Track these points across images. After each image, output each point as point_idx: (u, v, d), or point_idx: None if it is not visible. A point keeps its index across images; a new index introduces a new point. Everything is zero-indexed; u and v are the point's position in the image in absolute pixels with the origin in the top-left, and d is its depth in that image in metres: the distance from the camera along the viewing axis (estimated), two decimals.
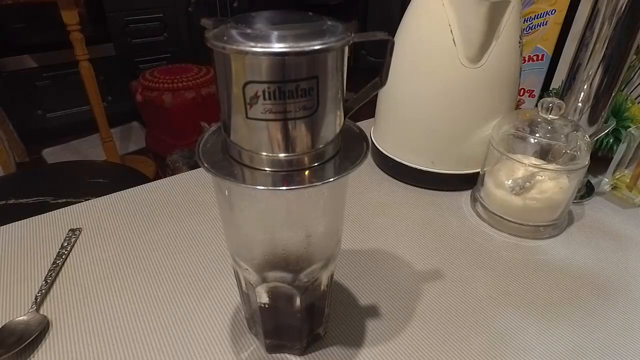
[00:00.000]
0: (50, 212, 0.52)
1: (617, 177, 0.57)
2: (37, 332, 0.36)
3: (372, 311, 0.40)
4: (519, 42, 0.51)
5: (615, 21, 0.46)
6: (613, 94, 0.50)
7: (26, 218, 0.50)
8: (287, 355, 0.36)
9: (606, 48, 0.47)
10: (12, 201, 0.79)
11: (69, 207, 0.53)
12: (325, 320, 0.37)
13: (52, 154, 2.17)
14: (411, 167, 0.57)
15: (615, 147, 0.57)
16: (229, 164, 0.26)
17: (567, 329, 0.39)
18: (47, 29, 1.99)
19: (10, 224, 0.50)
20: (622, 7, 0.45)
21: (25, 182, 0.90)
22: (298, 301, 0.32)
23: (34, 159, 2.12)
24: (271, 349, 0.36)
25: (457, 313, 0.40)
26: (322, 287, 0.33)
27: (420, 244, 0.48)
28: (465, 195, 0.57)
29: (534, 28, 0.65)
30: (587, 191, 0.58)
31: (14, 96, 2.07)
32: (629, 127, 0.56)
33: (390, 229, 0.51)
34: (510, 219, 0.50)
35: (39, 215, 0.51)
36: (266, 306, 0.33)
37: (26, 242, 0.47)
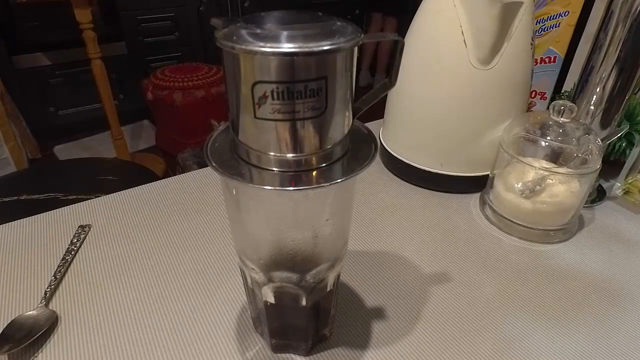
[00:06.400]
0: (60, 209, 0.52)
1: (629, 181, 0.56)
2: (46, 327, 0.37)
3: (379, 313, 0.40)
4: (531, 44, 0.51)
5: (629, 23, 0.45)
6: (627, 97, 0.49)
7: (37, 214, 0.51)
8: (293, 356, 0.36)
9: (620, 50, 0.46)
10: (24, 197, 0.80)
11: (78, 203, 0.53)
12: (331, 321, 0.37)
13: (64, 151, 2.20)
14: (420, 169, 0.56)
15: (628, 151, 0.56)
16: (237, 163, 0.26)
17: (576, 335, 0.38)
18: (60, 28, 2.02)
19: (21, 220, 0.50)
20: (636, 9, 0.44)
21: (37, 178, 0.91)
22: (304, 301, 0.32)
23: (46, 156, 2.15)
24: (276, 348, 0.36)
25: (464, 317, 0.40)
26: (329, 288, 0.33)
27: (428, 247, 0.48)
28: (474, 197, 0.56)
29: (547, 30, 0.64)
30: (598, 195, 0.57)
31: (28, 93, 2.10)
32: None
33: (398, 231, 0.50)
34: (519, 223, 0.50)
35: (49, 212, 0.51)
36: (272, 306, 0.33)
37: (36, 238, 0.48)
